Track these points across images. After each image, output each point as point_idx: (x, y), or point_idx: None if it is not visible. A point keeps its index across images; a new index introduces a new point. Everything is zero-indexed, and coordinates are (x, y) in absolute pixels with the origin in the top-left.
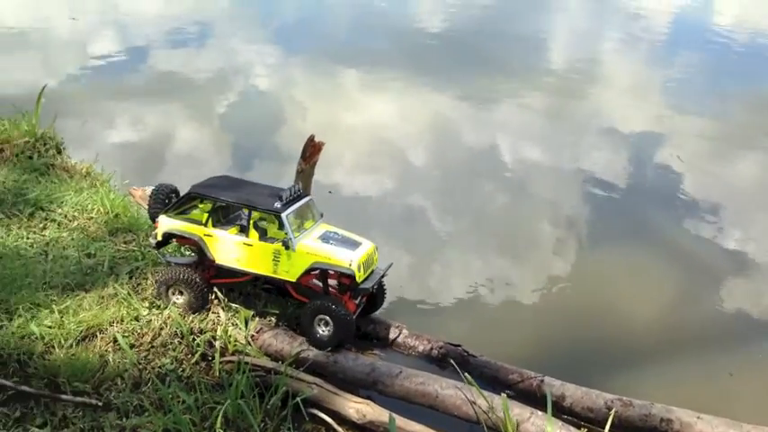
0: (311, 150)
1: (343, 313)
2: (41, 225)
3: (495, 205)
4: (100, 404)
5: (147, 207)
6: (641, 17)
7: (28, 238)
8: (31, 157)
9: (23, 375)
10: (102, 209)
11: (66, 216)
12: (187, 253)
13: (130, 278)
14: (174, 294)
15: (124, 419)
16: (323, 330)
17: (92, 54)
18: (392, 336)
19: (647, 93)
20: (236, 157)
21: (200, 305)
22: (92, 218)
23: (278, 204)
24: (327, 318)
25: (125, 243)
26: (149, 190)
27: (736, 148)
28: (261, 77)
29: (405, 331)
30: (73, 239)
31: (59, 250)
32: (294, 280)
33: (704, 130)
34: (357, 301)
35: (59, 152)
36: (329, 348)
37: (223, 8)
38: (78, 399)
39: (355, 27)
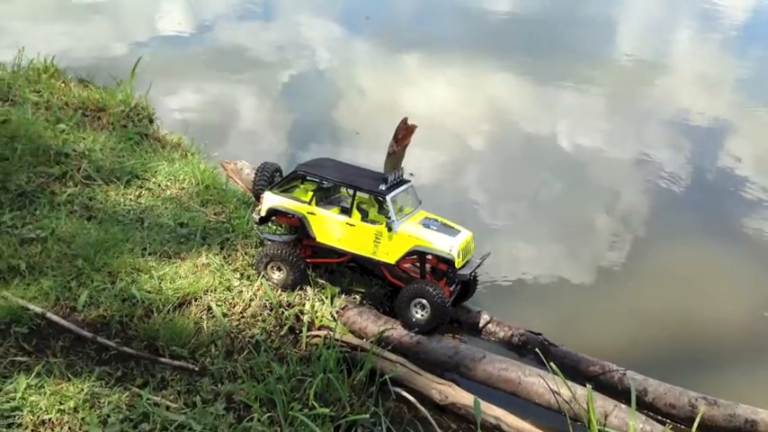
0: (403, 133)
1: (441, 297)
2: (137, 193)
3: (558, 194)
4: (196, 369)
5: (237, 180)
6: (716, 11)
7: (125, 205)
8: (125, 126)
9: (124, 337)
10: (193, 180)
11: (159, 185)
12: (279, 232)
13: (221, 249)
14: (272, 270)
15: (219, 385)
16: (419, 314)
17: (163, 28)
18: (473, 320)
19: (718, 85)
20: (298, 134)
21: (296, 283)
22: (183, 188)
23: (383, 187)
24: (425, 301)
25: (215, 214)
26: (240, 164)
27: None
28: (324, 56)
29: (486, 316)
30: (167, 208)
31: (155, 218)
32: (394, 262)
33: None
34: (452, 288)
35: (151, 122)
36: (424, 332)
37: None
38: (176, 362)
39: (421, 7)
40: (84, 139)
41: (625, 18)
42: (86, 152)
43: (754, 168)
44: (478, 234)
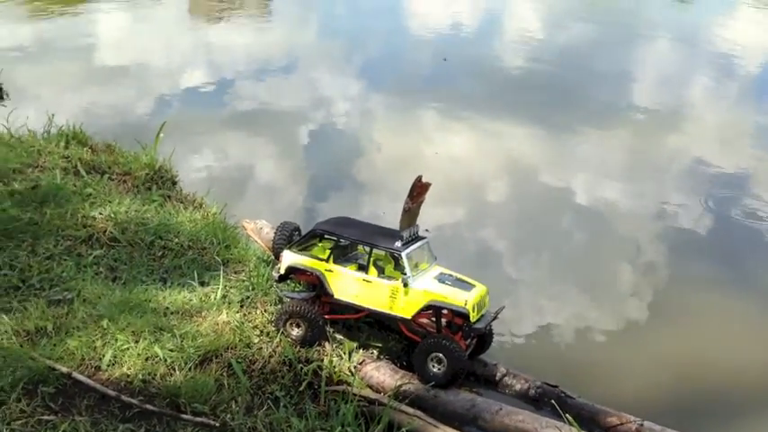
0: (418, 190)
1: (457, 351)
2: (160, 253)
3: (577, 245)
4: (217, 425)
5: (257, 240)
6: (733, 57)
7: (149, 266)
8: (149, 188)
9: (147, 395)
10: (214, 239)
11: (182, 245)
12: (297, 289)
13: (241, 306)
14: (291, 327)
15: None
16: (436, 368)
17: (186, 87)
18: (489, 373)
19: (735, 135)
20: (317, 190)
21: (315, 339)
22: (205, 248)
23: (398, 244)
24: (441, 355)
25: (235, 273)
26: (260, 224)
27: None
28: (341, 112)
29: (502, 369)
30: (189, 268)
31: (177, 278)
32: (410, 317)
33: None
34: (468, 342)
35: (174, 184)
36: (441, 385)
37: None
38: (198, 419)
39: (433, 60)
40: (109, 202)
41: (638, 70)
42: (112, 215)
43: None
44: (498, 287)
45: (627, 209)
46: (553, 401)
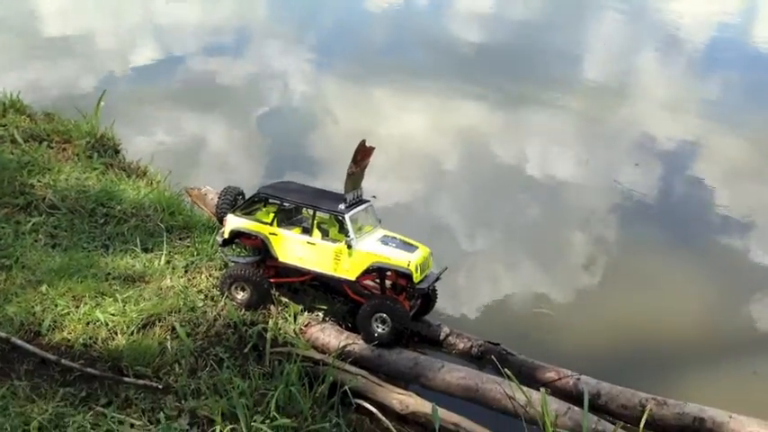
0: (362, 154)
1: (401, 311)
2: (102, 220)
3: (527, 214)
4: (160, 387)
5: (201, 206)
6: (679, 30)
7: (90, 233)
8: (91, 157)
9: (88, 358)
10: (158, 206)
11: (124, 212)
12: (243, 254)
13: (186, 272)
14: (236, 290)
15: (182, 402)
16: (380, 328)
17: (133, 61)
18: (433, 334)
19: (683, 107)
20: (270, 162)
21: (260, 302)
22: (149, 215)
23: (342, 206)
24: (385, 315)
25: (180, 239)
26: (205, 190)
27: None
28: (295, 85)
29: (446, 329)
30: (132, 235)
31: (120, 244)
32: (354, 278)
33: (740, 146)
34: (412, 303)
35: (117, 152)
36: (384, 345)
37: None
38: (140, 381)
39: (392, 36)
40: (49, 170)
41: (590, 45)
42: (51, 182)
43: (717, 185)
44: (449, 256)
45: (579, 179)
46: (493, 357)
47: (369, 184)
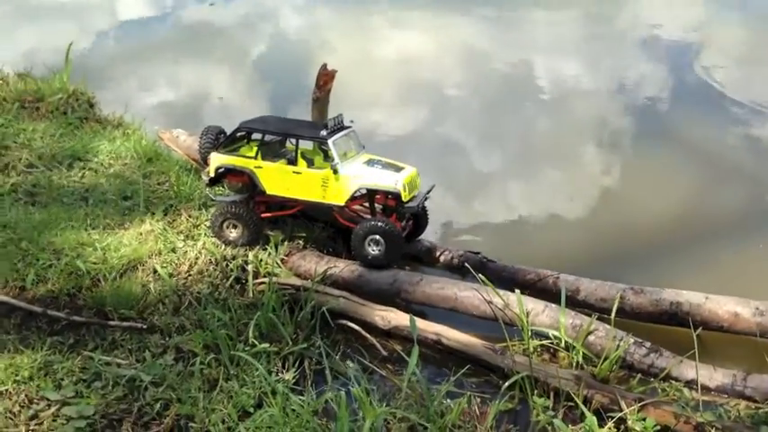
0: (324, 78)
1: (393, 231)
2: (80, 174)
3: (514, 113)
4: (144, 327)
5: (175, 148)
6: None
7: (68, 187)
8: (65, 113)
9: (74, 307)
10: (135, 154)
11: (102, 164)
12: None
13: (165, 215)
14: (228, 229)
15: (167, 339)
16: (375, 250)
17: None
18: (413, 249)
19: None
20: (265, 101)
21: (253, 238)
22: (126, 164)
23: (323, 132)
24: (378, 237)
25: (158, 184)
26: (176, 132)
27: None
28: (285, 19)
29: (425, 243)
30: (110, 185)
31: (99, 195)
32: (343, 203)
33: (746, 37)
34: (403, 224)
35: (91, 106)
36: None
37: None
38: (125, 323)
39: None
40: (23, 130)
41: None
42: (27, 142)
43: (718, 82)
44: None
45: (585, 84)
46: (467, 265)
47: (371, 111)
